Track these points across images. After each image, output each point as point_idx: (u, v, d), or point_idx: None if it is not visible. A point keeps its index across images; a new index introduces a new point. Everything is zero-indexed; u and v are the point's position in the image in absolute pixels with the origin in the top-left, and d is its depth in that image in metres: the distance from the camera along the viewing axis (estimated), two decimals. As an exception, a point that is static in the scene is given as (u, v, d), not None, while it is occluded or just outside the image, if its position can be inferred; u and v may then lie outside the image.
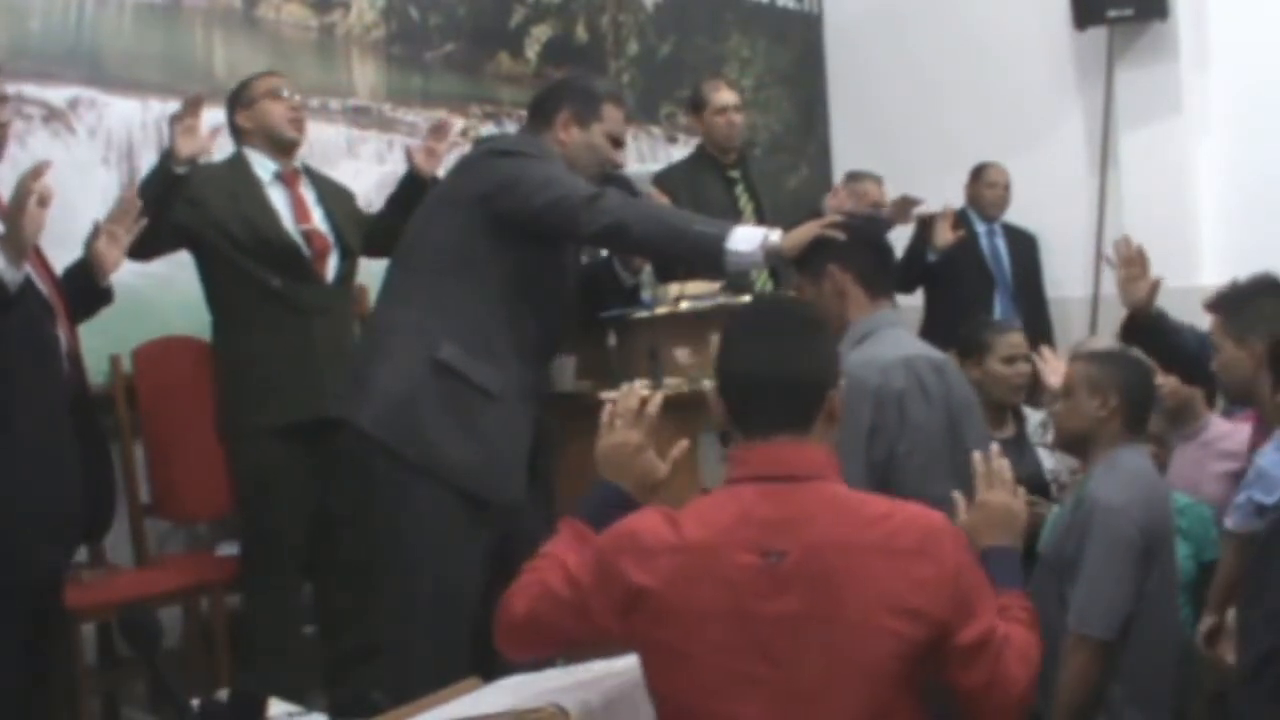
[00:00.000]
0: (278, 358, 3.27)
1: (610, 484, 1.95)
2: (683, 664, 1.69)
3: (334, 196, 3.53)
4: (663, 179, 4.22)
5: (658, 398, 1.98)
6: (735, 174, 4.48)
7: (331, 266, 3.40)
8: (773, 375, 1.76)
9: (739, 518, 1.70)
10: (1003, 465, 2.01)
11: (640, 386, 2.02)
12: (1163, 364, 3.14)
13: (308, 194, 3.45)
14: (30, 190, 2.40)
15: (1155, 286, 3.03)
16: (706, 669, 1.68)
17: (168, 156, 3.07)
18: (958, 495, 2.00)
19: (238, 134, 3.43)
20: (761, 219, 4.21)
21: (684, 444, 1.97)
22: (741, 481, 1.76)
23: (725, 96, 4.41)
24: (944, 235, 4.85)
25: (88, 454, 2.67)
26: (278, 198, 3.38)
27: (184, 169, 3.06)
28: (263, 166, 3.39)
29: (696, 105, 4.48)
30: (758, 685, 1.66)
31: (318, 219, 3.42)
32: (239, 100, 3.43)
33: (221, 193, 3.27)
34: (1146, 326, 3.04)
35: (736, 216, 4.32)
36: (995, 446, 2.09)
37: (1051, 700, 2.50)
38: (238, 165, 3.40)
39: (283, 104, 3.40)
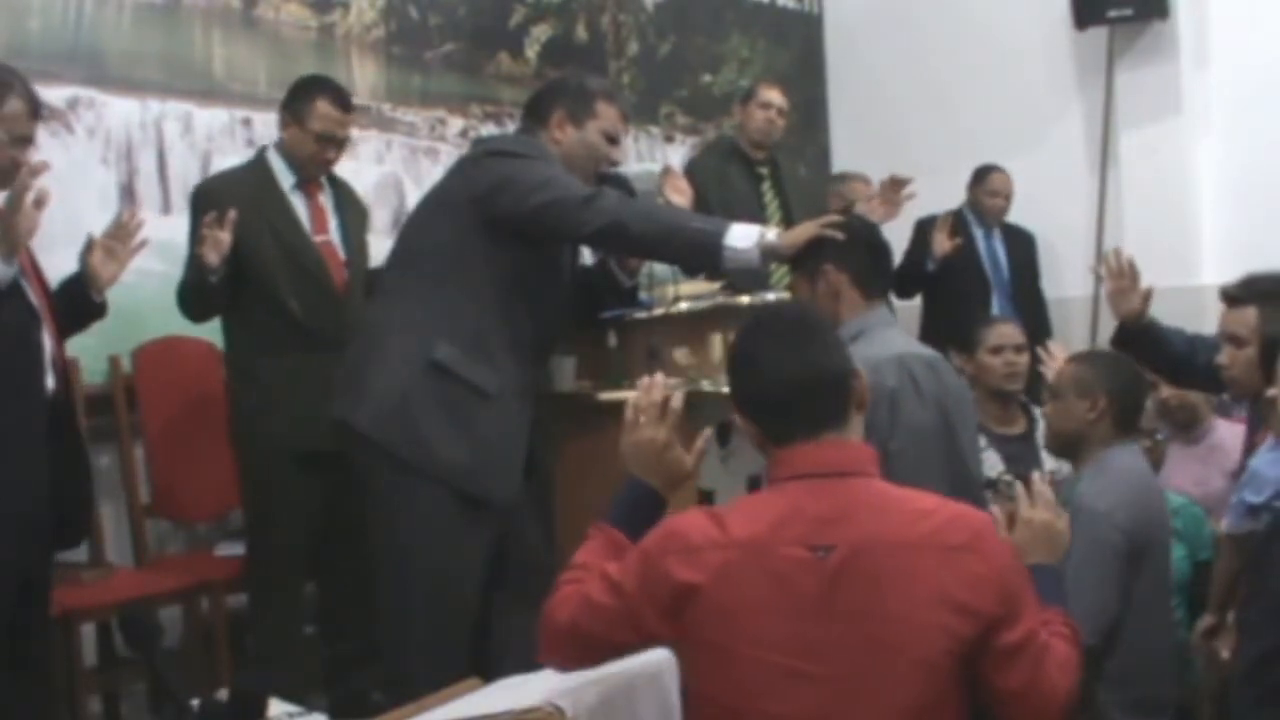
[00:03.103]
0: (295, 387, 3.20)
1: (639, 481, 1.91)
2: (730, 662, 1.67)
3: (352, 207, 3.51)
4: (692, 169, 4.46)
5: (679, 395, 1.95)
6: (764, 171, 4.71)
7: (346, 282, 3.36)
8: (804, 379, 1.75)
9: (788, 513, 1.69)
10: (1045, 487, 2.01)
11: (661, 381, 1.98)
12: (1151, 368, 3.13)
13: (327, 203, 3.43)
14: (27, 186, 2.38)
15: (1148, 296, 3.03)
16: (754, 666, 1.66)
17: (202, 270, 3.11)
18: (997, 511, 1.97)
19: (280, 123, 3.40)
20: (789, 220, 4.27)
21: (707, 433, 1.95)
22: (786, 480, 1.74)
23: (774, 96, 4.70)
24: (941, 245, 4.84)
25: (63, 460, 2.63)
26: (298, 205, 3.37)
27: (216, 276, 3.11)
28: (283, 174, 3.37)
29: (745, 97, 4.79)
30: (806, 681, 1.65)
31: (333, 230, 3.41)
32: (295, 110, 3.34)
33: (244, 204, 3.20)
34: (1137, 334, 3.04)
35: (761, 212, 4.45)
36: (1037, 474, 2.08)
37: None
38: (259, 171, 3.36)
39: (326, 147, 3.35)
